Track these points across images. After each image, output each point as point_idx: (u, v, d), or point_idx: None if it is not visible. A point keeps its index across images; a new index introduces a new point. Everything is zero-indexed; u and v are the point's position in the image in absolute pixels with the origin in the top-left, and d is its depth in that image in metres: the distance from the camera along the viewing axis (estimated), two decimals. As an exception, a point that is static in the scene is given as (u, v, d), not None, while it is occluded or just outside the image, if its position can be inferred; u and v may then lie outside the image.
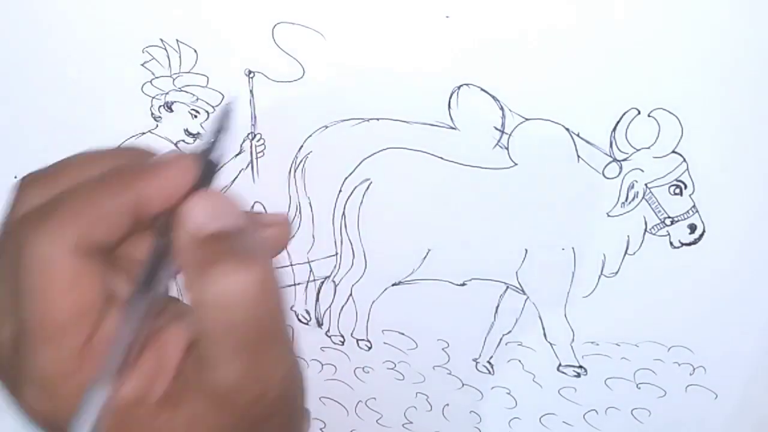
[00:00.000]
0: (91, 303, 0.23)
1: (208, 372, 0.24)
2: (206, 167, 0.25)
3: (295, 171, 0.45)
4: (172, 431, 0.24)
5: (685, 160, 0.42)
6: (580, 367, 0.48)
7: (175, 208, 0.24)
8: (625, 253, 0.44)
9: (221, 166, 0.25)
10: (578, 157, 0.42)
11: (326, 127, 0.43)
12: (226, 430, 0.24)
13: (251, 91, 0.43)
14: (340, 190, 0.45)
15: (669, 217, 0.43)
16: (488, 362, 0.49)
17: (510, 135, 0.42)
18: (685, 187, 0.42)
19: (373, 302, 0.49)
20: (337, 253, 0.48)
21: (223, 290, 0.23)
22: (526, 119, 0.42)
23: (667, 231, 0.44)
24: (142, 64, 0.42)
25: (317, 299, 0.49)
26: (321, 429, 0.53)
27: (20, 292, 0.23)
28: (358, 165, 0.45)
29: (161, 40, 0.42)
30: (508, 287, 0.47)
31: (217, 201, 0.24)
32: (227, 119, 0.25)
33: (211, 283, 0.23)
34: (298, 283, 0.49)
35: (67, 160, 0.26)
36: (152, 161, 0.25)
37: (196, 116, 0.44)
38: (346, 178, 0.45)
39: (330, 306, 0.49)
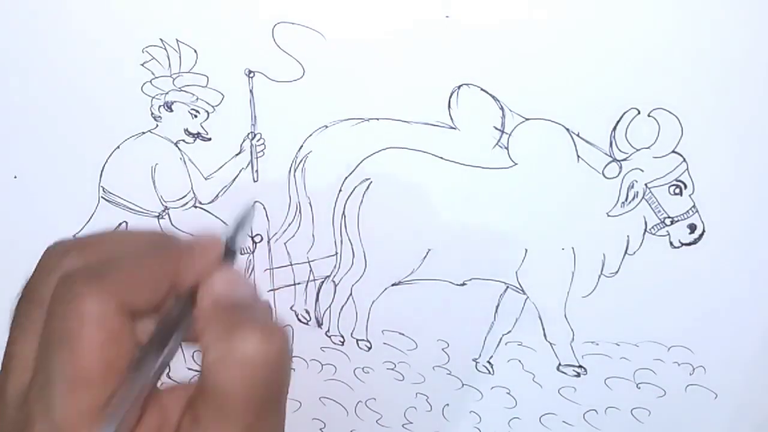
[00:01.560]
0: (122, 361, 0.25)
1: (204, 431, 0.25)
2: (227, 252, 0.29)
3: (295, 171, 0.45)
4: None
5: (684, 160, 0.42)
6: (580, 366, 0.48)
7: (197, 282, 0.27)
8: (625, 252, 0.44)
9: (238, 254, 0.30)
10: (578, 156, 0.42)
11: (326, 127, 0.43)
12: None
13: (251, 91, 0.43)
14: (340, 190, 0.45)
15: (669, 217, 0.43)
16: (488, 362, 0.49)
17: (510, 135, 0.42)
18: (685, 187, 0.42)
19: (373, 302, 0.49)
20: (337, 253, 0.48)
21: (251, 350, 0.25)
22: (526, 119, 0.42)
23: (667, 231, 0.44)
24: (142, 64, 0.42)
25: (317, 299, 0.49)
26: (320, 429, 0.53)
27: (58, 340, 0.24)
28: (358, 165, 0.45)
29: (161, 39, 0.42)
30: (508, 287, 0.47)
31: (236, 277, 0.28)
32: (248, 218, 0.30)
33: (240, 341, 0.25)
34: (298, 283, 0.49)
35: (99, 234, 0.29)
36: (189, 242, 0.28)
37: (195, 116, 0.44)
38: (346, 177, 0.45)
39: (330, 306, 0.49)
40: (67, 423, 0.24)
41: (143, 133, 0.44)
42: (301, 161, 0.45)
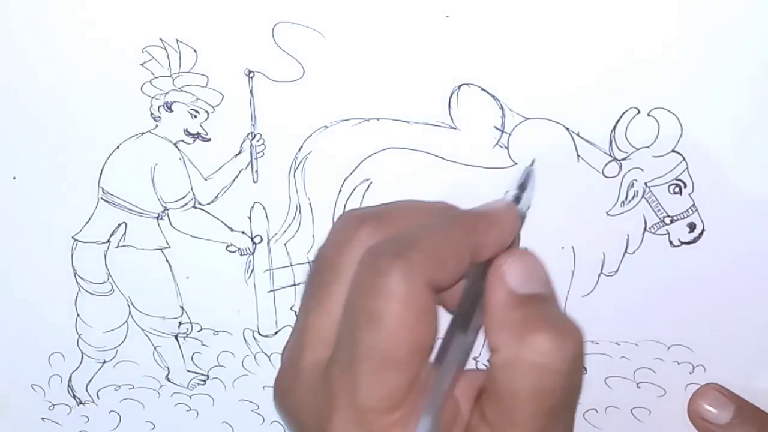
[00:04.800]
0: (427, 342, 0.24)
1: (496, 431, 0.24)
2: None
3: (295, 171, 0.45)
4: None
5: (684, 159, 0.42)
6: (580, 366, 0.48)
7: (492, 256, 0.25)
8: (625, 252, 0.44)
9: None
10: (578, 156, 0.42)
11: (326, 127, 0.43)
12: None
13: (251, 91, 0.43)
14: (340, 190, 0.45)
15: (668, 216, 0.43)
16: (489, 361, 0.49)
17: (510, 134, 0.42)
18: (685, 186, 0.42)
19: (373, 302, 0.49)
20: (337, 253, 0.48)
21: (543, 356, 0.23)
22: (526, 119, 0.42)
23: (667, 230, 0.44)
24: (142, 64, 0.42)
25: (317, 299, 0.49)
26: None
27: (365, 318, 0.23)
28: (358, 165, 0.45)
29: (161, 39, 0.42)
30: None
31: (531, 263, 0.26)
32: (532, 180, 0.29)
33: (530, 347, 0.24)
34: (299, 284, 0.49)
35: (389, 205, 0.28)
36: (484, 212, 0.27)
37: (195, 116, 0.44)
38: (346, 178, 0.45)
39: (330, 306, 0.49)
40: (372, 405, 0.23)
41: (143, 133, 0.44)
42: (301, 161, 0.45)
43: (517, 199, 0.27)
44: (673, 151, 0.42)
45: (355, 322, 0.24)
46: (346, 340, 0.24)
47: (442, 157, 0.44)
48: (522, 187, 0.28)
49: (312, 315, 0.26)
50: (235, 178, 0.45)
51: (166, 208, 0.46)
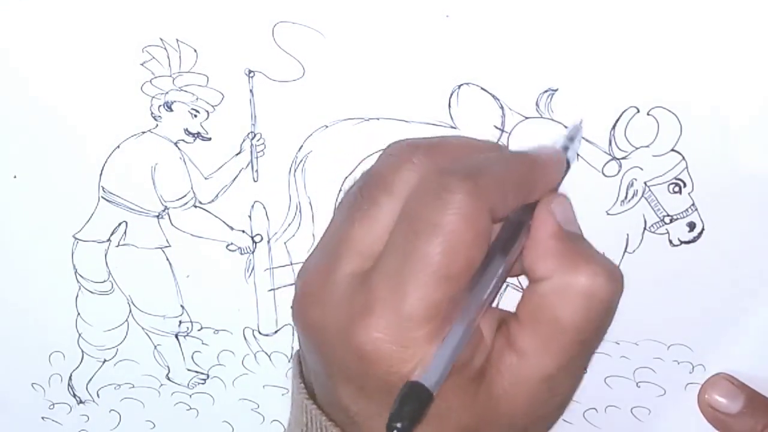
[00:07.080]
0: (476, 265, 0.24)
1: (521, 358, 0.25)
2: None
3: (295, 170, 0.45)
4: (480, 405, 0.25)
5: (684, 158, 0.42)
6: (580, 365, 0.48)
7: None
8: (625, 251, 0.44)
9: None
10: (577, 155, 0.42)
11: (326, 126, 0.44)
12: (521, 411, 0.26)
13: (251, 91, 0.43)
14: (341, 190, 0.45)
15: (668, 215, 0.43)
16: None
17: (510, 134, 0.43)
18: (684, 185, 0.43)
19: (373, 301, 0.49)
20: (337, 253, 0.48)
21: (596, 287, 0.25)
22: (526, 118, 0.42)
23: (666, 229, 0.44)
24: (142, 64, 0.43)
25: (317, 299, 0.49)
26: (321, 429, 0.53)
27: (428, 229, 0.23)
28: (358, 165, 0.45)
29: (161, 39, 0.42)
30: (507, 285, 0.47)
31: (571, 207, 0.28)
32: (578, 132, 0.31)
33: (584, 275, 0.25)
34: (298, 283, 0.49)
35: (441, 138, 0.30)
36: (538, 155, 0.28)
37: (196, 116, 0.44)
38: (346, 177, 0.45)
39: (330, 305, 0.49)
40: (416, 312, 0.23)
41: (143, 132, 0.44)
42: (301, 161, 0.45)
43: (565, 149, 0.29)
44: (672, 150, 0.42)
45: (413, 232, 0.24)
46: (399, 247, 0.24)
47: (441, 157, 0.44)
48: (570, 138, 0.29)
49: (356, 228, 0.26)
50: (236, 177, 0.45)
51: (166, 207, 0.46)
